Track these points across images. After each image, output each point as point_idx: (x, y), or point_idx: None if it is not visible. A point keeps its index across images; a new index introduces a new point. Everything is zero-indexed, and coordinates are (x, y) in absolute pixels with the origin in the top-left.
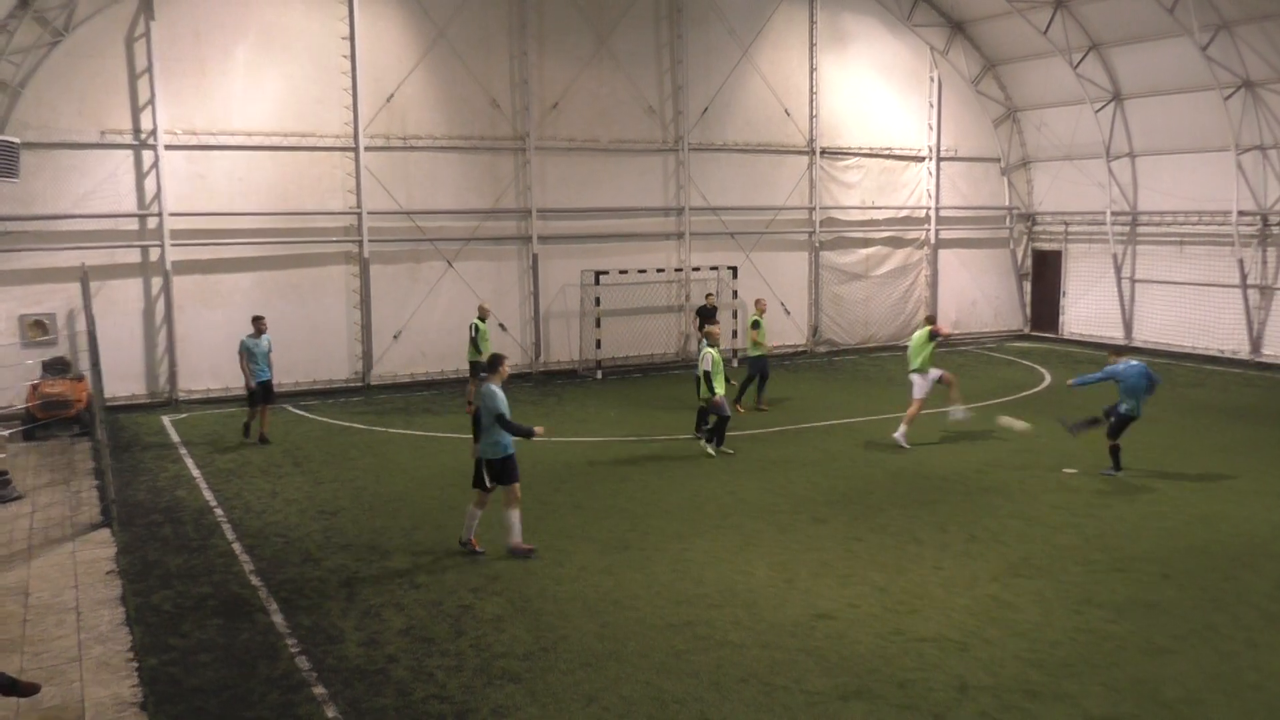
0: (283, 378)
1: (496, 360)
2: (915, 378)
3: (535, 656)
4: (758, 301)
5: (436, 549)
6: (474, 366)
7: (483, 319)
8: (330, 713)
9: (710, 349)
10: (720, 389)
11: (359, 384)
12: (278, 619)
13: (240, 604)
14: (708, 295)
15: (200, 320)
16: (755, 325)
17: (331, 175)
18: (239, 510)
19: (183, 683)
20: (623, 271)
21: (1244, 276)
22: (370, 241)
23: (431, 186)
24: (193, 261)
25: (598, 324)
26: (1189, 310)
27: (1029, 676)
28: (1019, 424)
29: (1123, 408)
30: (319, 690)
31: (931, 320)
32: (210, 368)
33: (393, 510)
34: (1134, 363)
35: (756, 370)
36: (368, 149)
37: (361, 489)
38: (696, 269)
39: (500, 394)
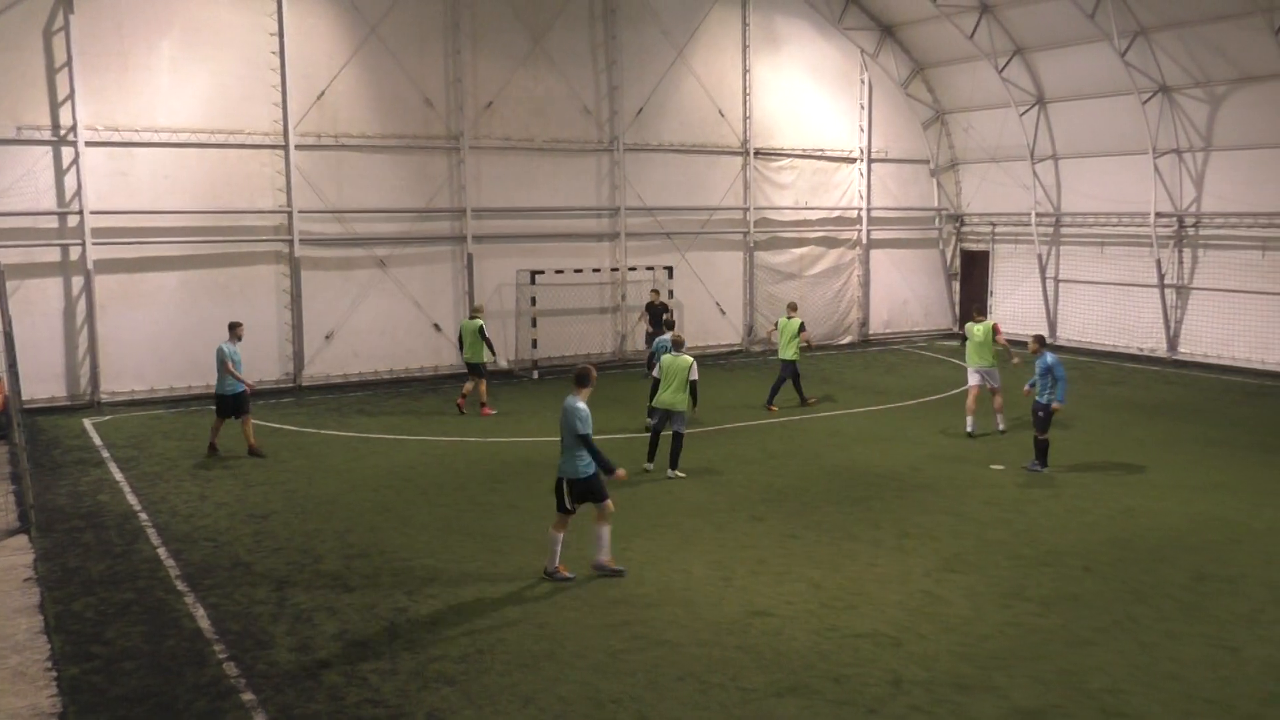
0: (211, 378)
1: (585, 375)
2: (980, 370)
3: (471, 659)
4: (792, 306)
5: (370, 551)
6: (471, 367)
7: (475, 318)
8: (259, 719)
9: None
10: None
11: (290, 385)
12: (205, 624)
13: (166, 610)
14: (653, 291)
15: (124, 320)
16: (800, 327)
17: (261, 173)
18: (165, 514)
19: (106, 691)
20: (558, 271)
21: (1161, 277)
22: (301, 241)
23: (364, 185)
24: (116, 260)
25: (534, 324)
26: (1110, 309)
27: (960, 670)
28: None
29: (1046, 399)
30: (248, 697)
31: (981, 313)
32: (134, 369)
33: (325, 513)
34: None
35: (788, 373)
36: (298, 147)
37: (293, 491)
38: (633, 269)
39: (585, 410)
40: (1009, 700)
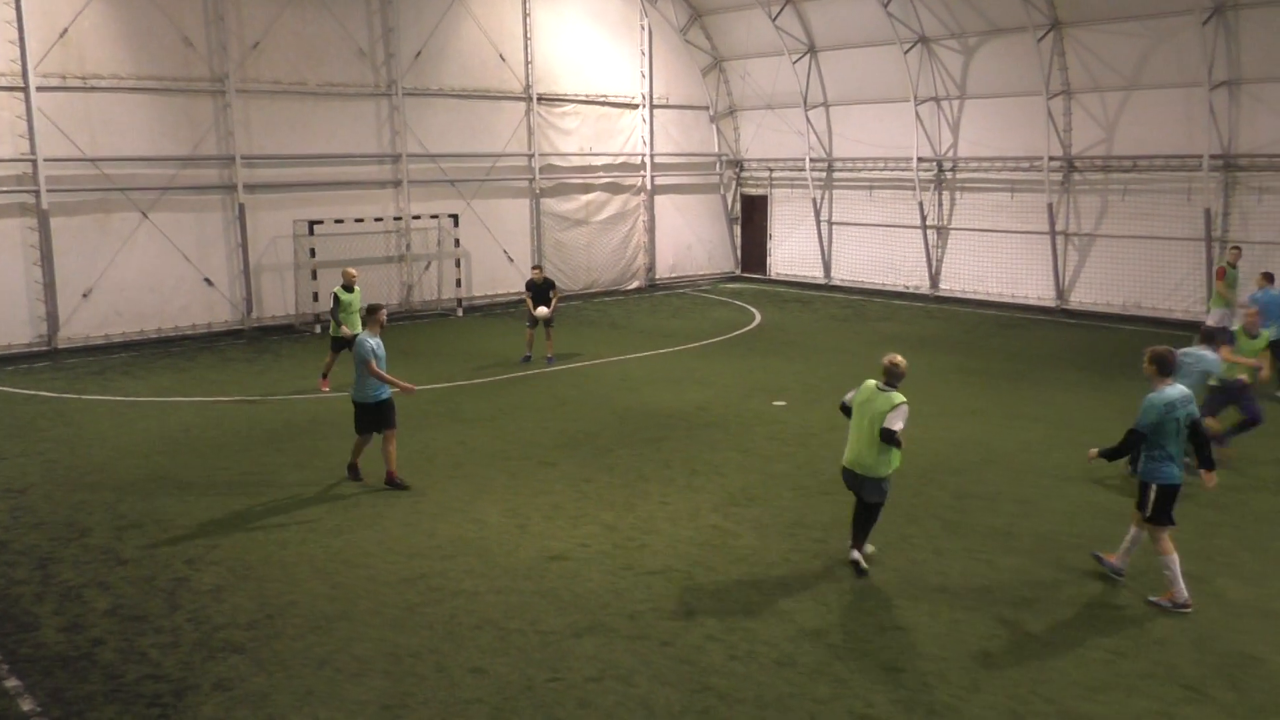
0: None
1: (374, 308)
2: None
3: (260, 625)
4: (1231, 250)
5: (144, 521)
6: (335, 343)
7: (349, 287)
8: (26, 705)
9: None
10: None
11: (44, 348)
12: None
13: None
14: (535, 269)
15: None
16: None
17: None
18: None
19: None
20: (338, 221)
21: (924, 218)
22: (49, 191)
23: (119, 131)
24: None
25: (314, 276)
26: (878, 249)
27: (749, 598)
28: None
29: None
30: (13, 683)
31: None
32: None
33: (92, 483)
34: None
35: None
36: (40, 89)
37: (54, 462)
38: (416, 217)
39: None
40: (795, 623)
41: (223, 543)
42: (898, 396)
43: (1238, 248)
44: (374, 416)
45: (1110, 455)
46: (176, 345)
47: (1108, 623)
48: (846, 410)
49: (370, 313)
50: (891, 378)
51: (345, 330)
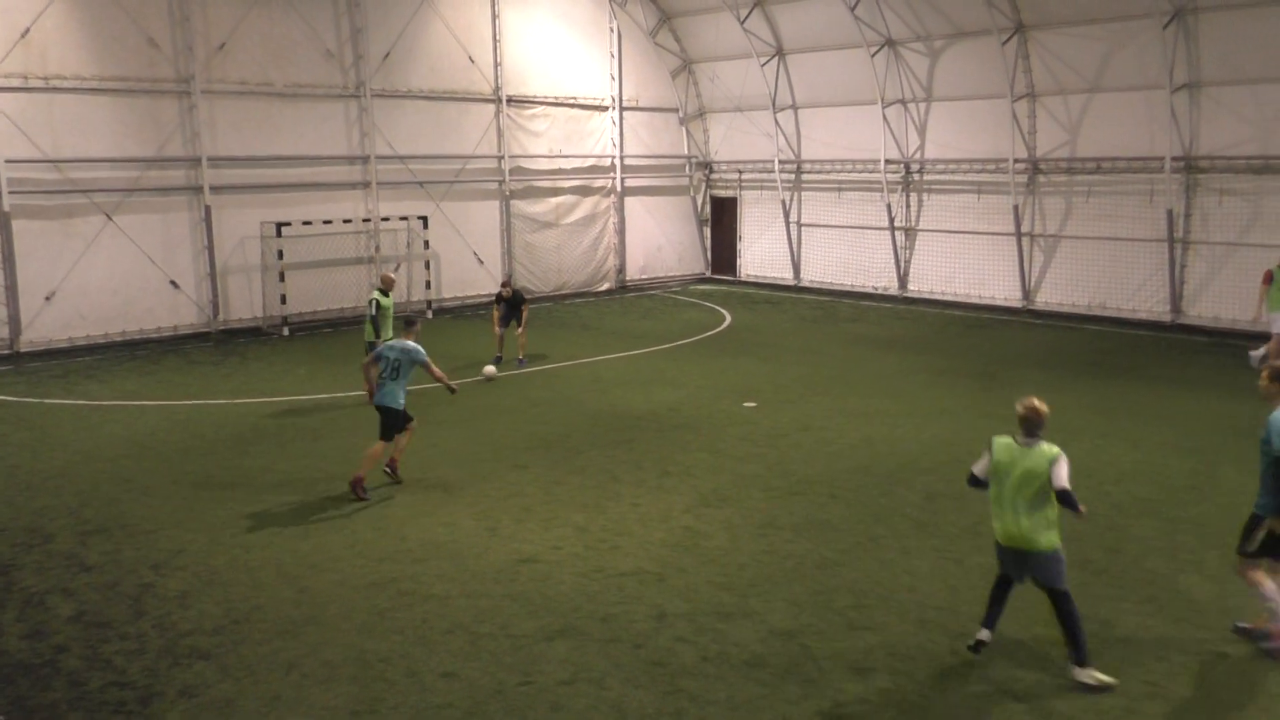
0: None
1: (411, 322)
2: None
3: (226, 630)
4: None
5: (109, 526)
6: (370, 348)
7: (385, 292)
8: None
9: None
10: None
11: (6, 352)
12: None
13: None
14: (503, 285)
15: None
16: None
17: None
18: None
19: None
20: (306, 223)
21: (891, 219)
22: (11, 193)
23: (83, 132)
24: None
25: (281, 278)
26: (847, 251)
27: (720, 599)
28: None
29: None
30: None
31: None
32: None
33: (55, 488)
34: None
35: None
36: (1, 90)
37: (15, 467)
38: (386, 219)
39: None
40: (766, 623)
41: (189, 548)
42: (1051, 448)
43: None
44: (400, 420)
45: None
46: (142, 348)
47: None
48: (980, 483)
49: (408, 325)
50: (1032, 426)
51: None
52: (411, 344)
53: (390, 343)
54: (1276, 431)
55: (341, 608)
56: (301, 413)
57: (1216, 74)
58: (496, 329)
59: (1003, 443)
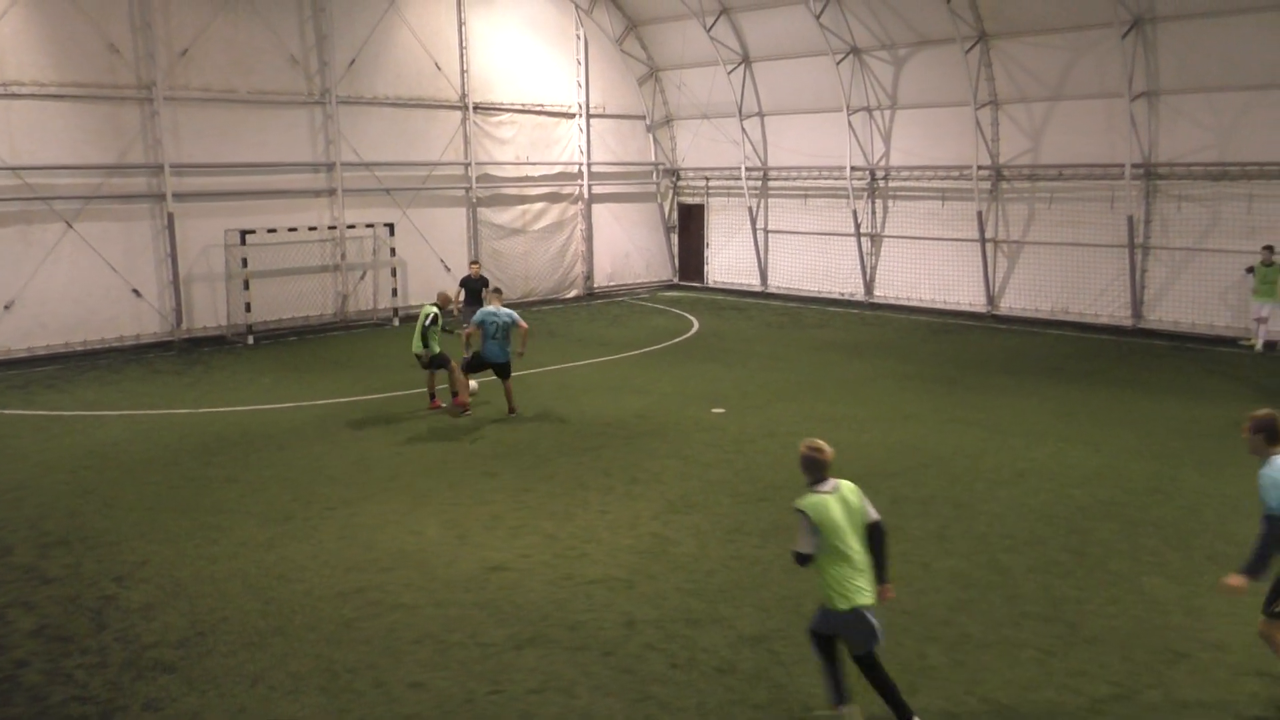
0: None
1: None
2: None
3: (191, 643)
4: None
5: (70, 538)
6: (434, 361)
7: (442, 308)
8: None
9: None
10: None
11: None
12: None
13: None
14: (472, 264)
15: None
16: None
17: None
18: None
19: None
20: (271, 230)
21: (858, 226)
22: None
23: (41, 138)
24: None
25: (246, 286)
26: (814, 257)
27: (689, 605)
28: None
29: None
30: None
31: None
32: None
33: (13, 500)
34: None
35: None
36: None
37: None
38: (352, 226)
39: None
40: (735, 629)
41: (152, 559)
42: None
43: (1269, 247)
44: (506, 369)
45: (1256, 568)
46: (104, 358)
47: (1040, 622)
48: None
49: (497, 292)
50: (820, 468)
51: (424, 351)
52: (507, 310)
53: (489, 309)
54: (1266, 489)
55: (308, 618)
56: (266, 422)
57: (1174, 82)
58: (462, 329)
59: (830, 498)
